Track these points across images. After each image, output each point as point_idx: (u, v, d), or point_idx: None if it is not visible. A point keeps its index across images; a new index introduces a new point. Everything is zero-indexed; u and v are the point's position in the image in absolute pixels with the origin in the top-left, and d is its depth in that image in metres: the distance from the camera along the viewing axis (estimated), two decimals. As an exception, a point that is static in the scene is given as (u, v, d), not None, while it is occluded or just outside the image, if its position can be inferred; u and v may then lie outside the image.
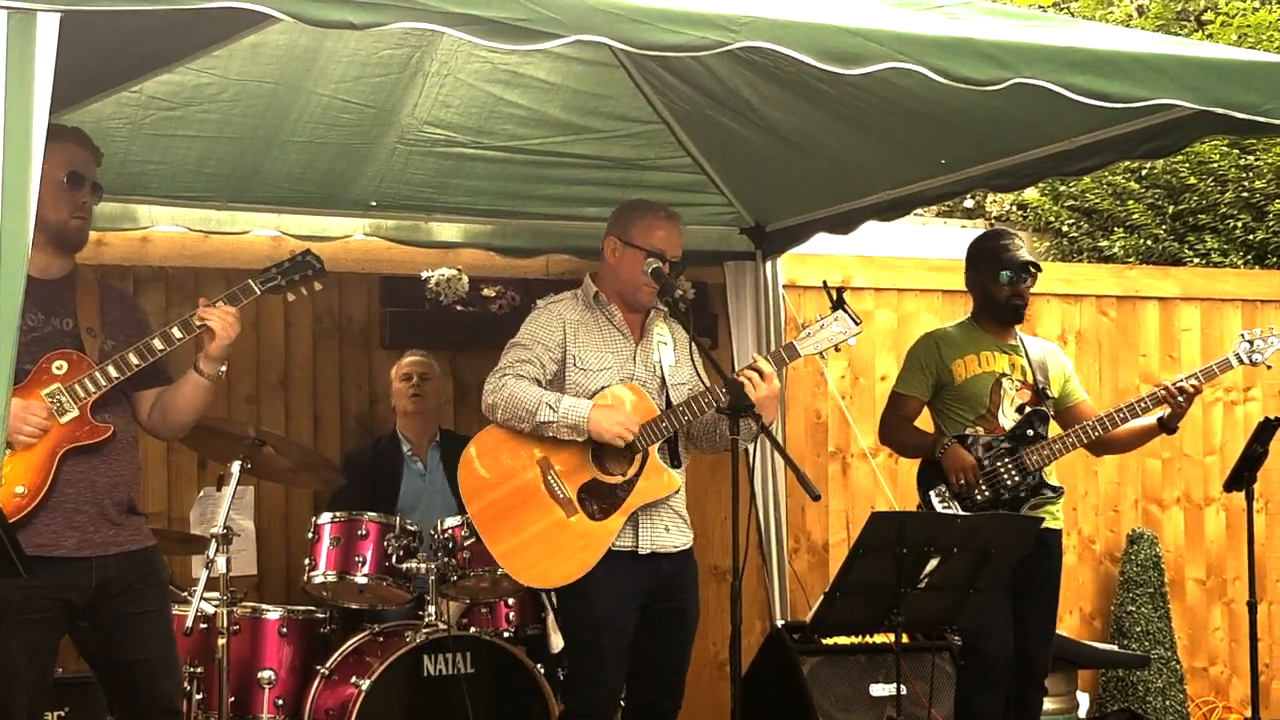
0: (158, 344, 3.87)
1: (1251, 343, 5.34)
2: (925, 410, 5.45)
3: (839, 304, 4.56)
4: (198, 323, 3.91)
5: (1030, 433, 5.26)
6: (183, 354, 4.00)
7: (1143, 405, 5.23)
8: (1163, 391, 5.19)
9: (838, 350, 4.60)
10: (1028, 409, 5.30)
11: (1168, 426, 5.29)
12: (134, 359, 3.85)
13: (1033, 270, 5.35)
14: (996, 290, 5.34)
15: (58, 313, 3.90)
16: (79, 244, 3.99)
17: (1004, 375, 5.33)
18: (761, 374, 4.41)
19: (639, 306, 4.64)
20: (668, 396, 4.58)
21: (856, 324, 4.58)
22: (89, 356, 3.87)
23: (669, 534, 4.58)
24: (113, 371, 3.83)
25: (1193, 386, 5.18)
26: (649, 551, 4.51)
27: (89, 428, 3.85)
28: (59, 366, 3.82)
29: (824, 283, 4.71)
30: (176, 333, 3.89)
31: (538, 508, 4.45)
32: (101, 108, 4.78)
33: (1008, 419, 5.29)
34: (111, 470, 3.93)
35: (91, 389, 3.82)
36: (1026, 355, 5.39)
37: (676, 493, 4.58)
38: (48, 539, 3.77)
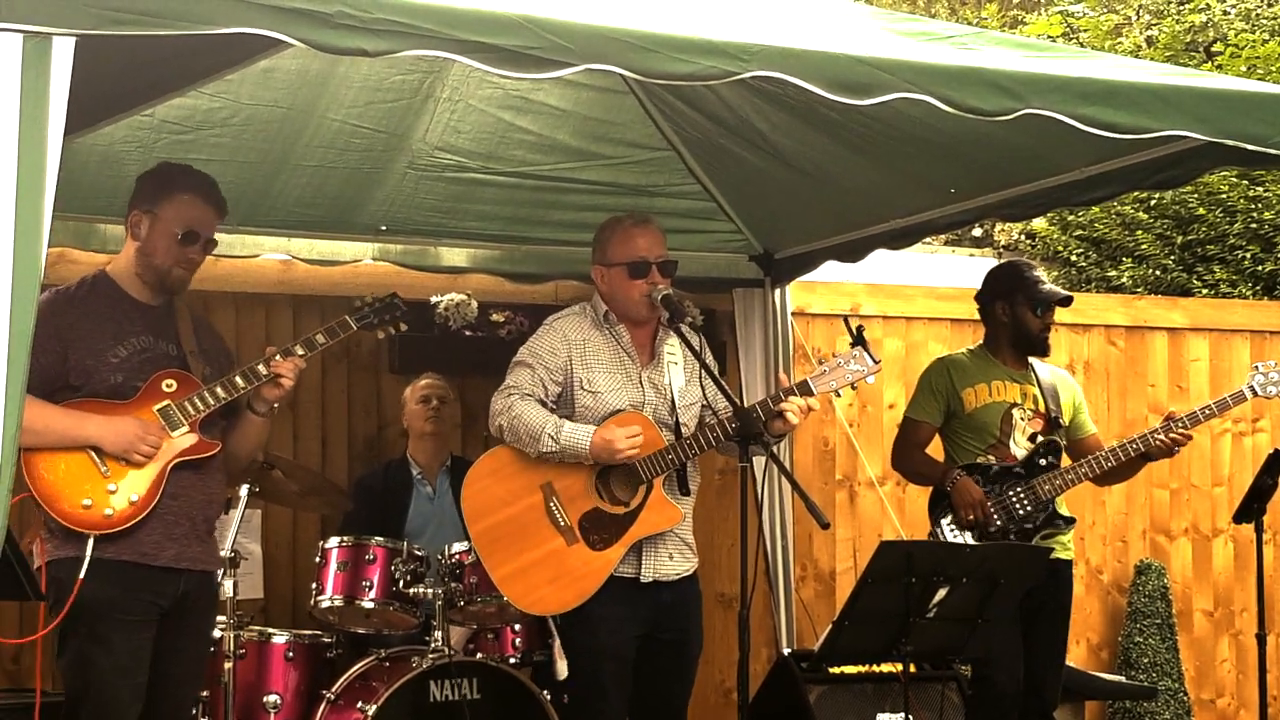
0: (240, 380, 4.10)
1: (1266, 375, 5.35)
2: (937, 437, 5.46)
3: (858, 341, 4.48)
4: (263, 371, 4.12)
5: (1043, 462, 5.25)
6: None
7: (1156, 436, 5.23)
8: (1161, 436, 5.21)
9: (854, 389, 4.55)
10: (1040, 438, 5.30)
11: (1150, 456, 5.31)
12: (240, 381, 4.08)
13: (1065, 302, 5.41)
14: (1031, 322, 5.34)
15: (163, 336, 4.11)
16: (178, 291, 4.19)
17: (1015, 405, 5.33)
18: (810, 409, 4.41)
19: (644, 321, 4.62)
20: (677, 420, 4.56)
21: (875, 363, 4.49)
22: (194, 377, 4.08)
23: (672, 562, 4.56)
24: (220, 392, 4.06)
25: (1183, 435, 5.24)
26: (651, 580, 4.50)
27: (199, 443, 4.05)
28: (168, 385, 4.03)
29: (845, 318, 4.65)
30: (262, 369, 4.12)
31: (538, 534, 4.44)
32: (114, 131, 4.81)
33: (1019, 448, 5.29)
34: (207, 487, 4.13)
35: (201, 407, 4.03)
36: (1038, 383, 5.39)
37: (681, 522, 4.56)
38: (150, 548, 3.95)
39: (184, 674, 4.14)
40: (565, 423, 4.40)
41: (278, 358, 4.13)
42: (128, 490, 3.91)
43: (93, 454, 3.89)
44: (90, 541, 3.81)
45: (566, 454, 4.37)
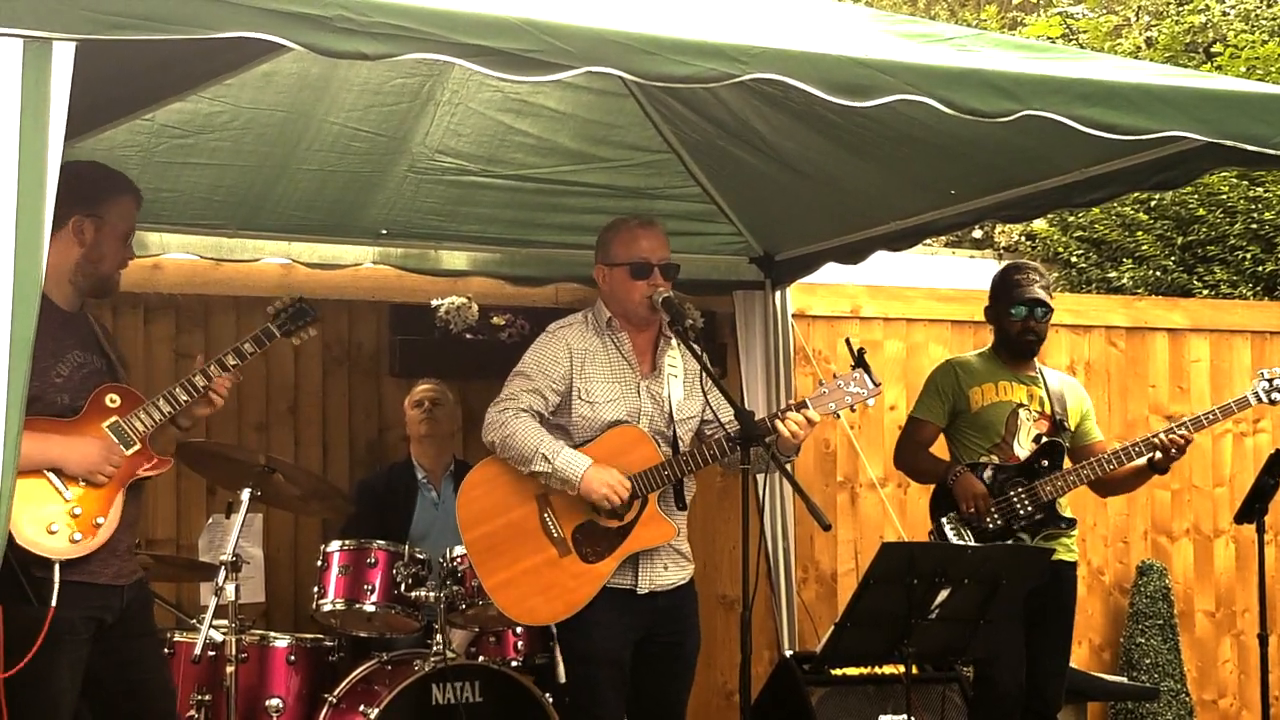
0: (180, 393, 3.98)
1: (1270, 381, 5.35)
2: (941, 438, 5.46)
3: (859, 363, 4.47)
4: (202, 384, 4.01)
5: (1045, 463, 5.26)
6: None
7: (1157, 439, 5.23)
8: (1159, 440, 5.20)
9: (853, 411, 4.53)
10: (1044, 439, 5.30)
11: (1158, 467, 5.30)
12: (181, 394, 3.95)
13: (1043, 307, 5.35)
14: (1009, 324, 5.36)
15: (90, 347, 3.97)
16: (110, 294, 4.08)
17: (1021, 406, 5.34)
18: (811, 423, 4.40)
19: (644, 323, 4.61)
20: (675, 433, 4.56)
21: (875, 385, 4.49)
22: (134, 390, 3.95)
23: (667, 572, 4.56)
24: (165, 406, 3.92)
25: (1184, 439, 5.19)
26: (647, 591, 4.51)
27: (153, 460, 3.94)
28: (112, 400, 3.88)
29: (846, 340, 4.64)
30: (199, 380, 4.00)
31: (531, 544, 4.44)
32: (114, 135, 4.81)
33: (1023, 449, 5.30)
34: (138, 504, 4.02)
35: (150, 422, 3.90)
36: (1045, 387, 5.40)
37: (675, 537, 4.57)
38: (96, 566, 3.83)
39: (160, 678, 4.10)
40: (563, 449, 4.37)
41: (216, 371, 4.00)
42: (92, 513, 3.75)
43: (51, 476, 3.71)
44: (57, 566, 3.66)
45: (557, 477, 4.36)
